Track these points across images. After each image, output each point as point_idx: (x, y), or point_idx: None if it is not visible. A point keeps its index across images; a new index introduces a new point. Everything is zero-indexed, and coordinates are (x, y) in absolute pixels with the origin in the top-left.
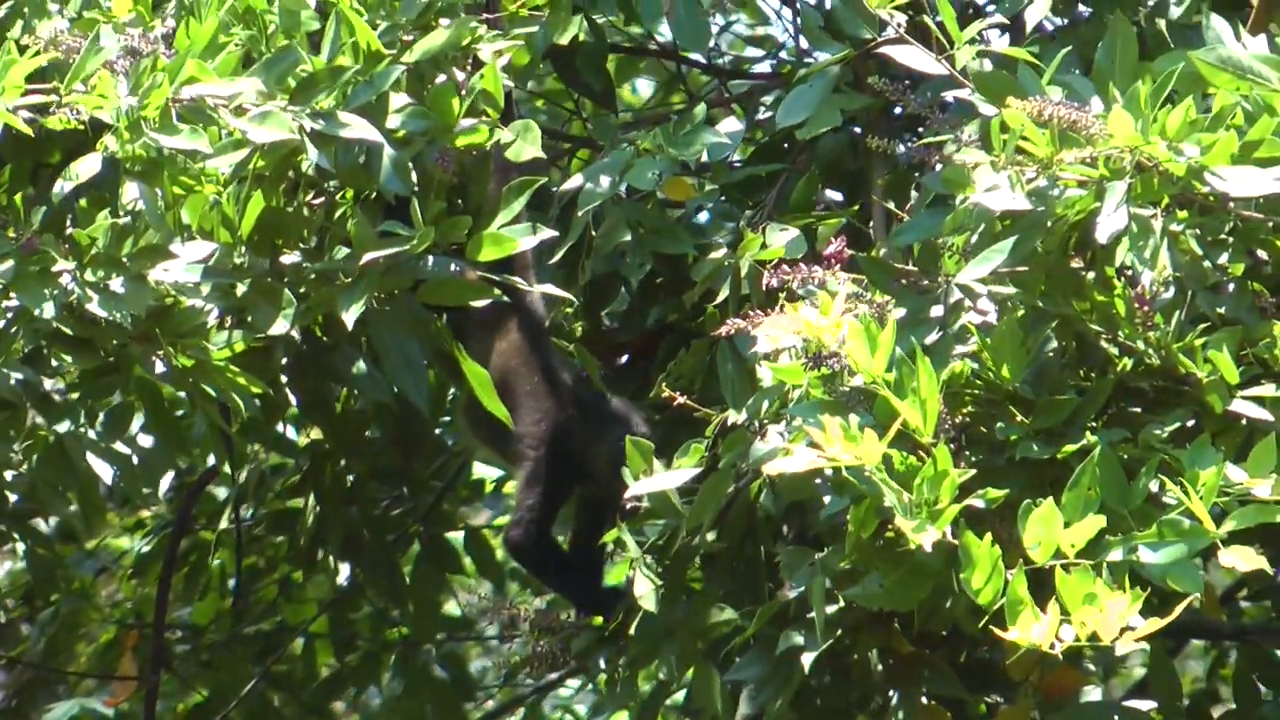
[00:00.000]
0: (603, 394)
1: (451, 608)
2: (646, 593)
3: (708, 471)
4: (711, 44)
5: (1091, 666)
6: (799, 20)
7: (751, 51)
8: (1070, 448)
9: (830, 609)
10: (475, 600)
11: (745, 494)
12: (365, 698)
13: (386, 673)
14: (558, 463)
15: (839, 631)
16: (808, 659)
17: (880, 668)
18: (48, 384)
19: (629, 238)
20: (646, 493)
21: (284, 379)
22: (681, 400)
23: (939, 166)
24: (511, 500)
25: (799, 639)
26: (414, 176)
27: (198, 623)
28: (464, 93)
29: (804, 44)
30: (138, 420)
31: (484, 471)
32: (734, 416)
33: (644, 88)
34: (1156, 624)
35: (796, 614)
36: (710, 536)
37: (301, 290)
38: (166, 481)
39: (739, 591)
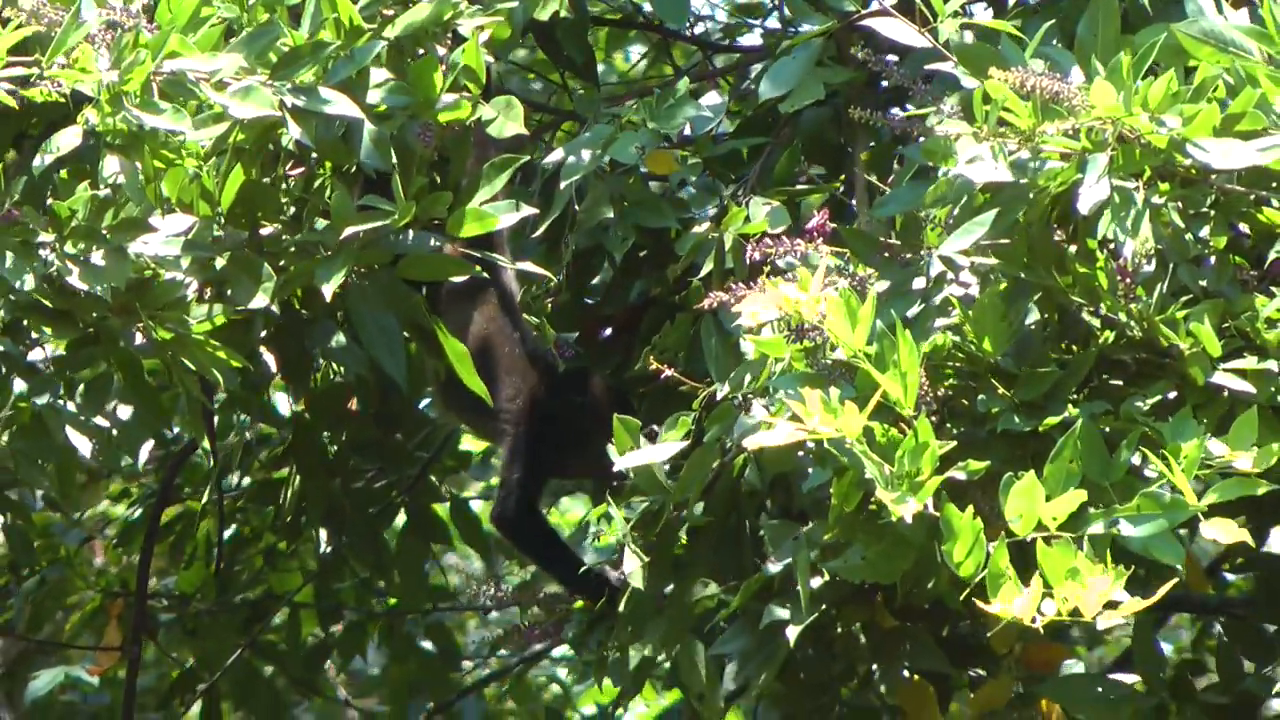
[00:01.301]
0: (580, 371)
1: (438, 578)
2: (634, 570)
3: (694, 446)
4: (702, 14)
5: (1076, 634)
6: None
7: (738, 22)
8: (1052, 420)
9: (814, 583)
10: (467, 571)
11: (730, 468)
12: (355, 666)
13: (371, 643)
14: (539, 437)
15: (823, 605)
16: (792, 632)
17: (864, 641)
18: (33, 355)
19: (612, 212)
20: (632, 467)
21: (263, 350)
22: (669, 373)
23: (921, 139)
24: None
25: (783, 613)
26: (394, 152)
27: (183, 591)
28: (445, 68)
29: (790, 16)
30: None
31: (470, 443)
32: (720, 390)
33: (638, 55)
34: (1139, 604)
35: (781, 588)
36: (697, 510)
37: (280, 263)
38: (146, 452)
39: (724, 566)
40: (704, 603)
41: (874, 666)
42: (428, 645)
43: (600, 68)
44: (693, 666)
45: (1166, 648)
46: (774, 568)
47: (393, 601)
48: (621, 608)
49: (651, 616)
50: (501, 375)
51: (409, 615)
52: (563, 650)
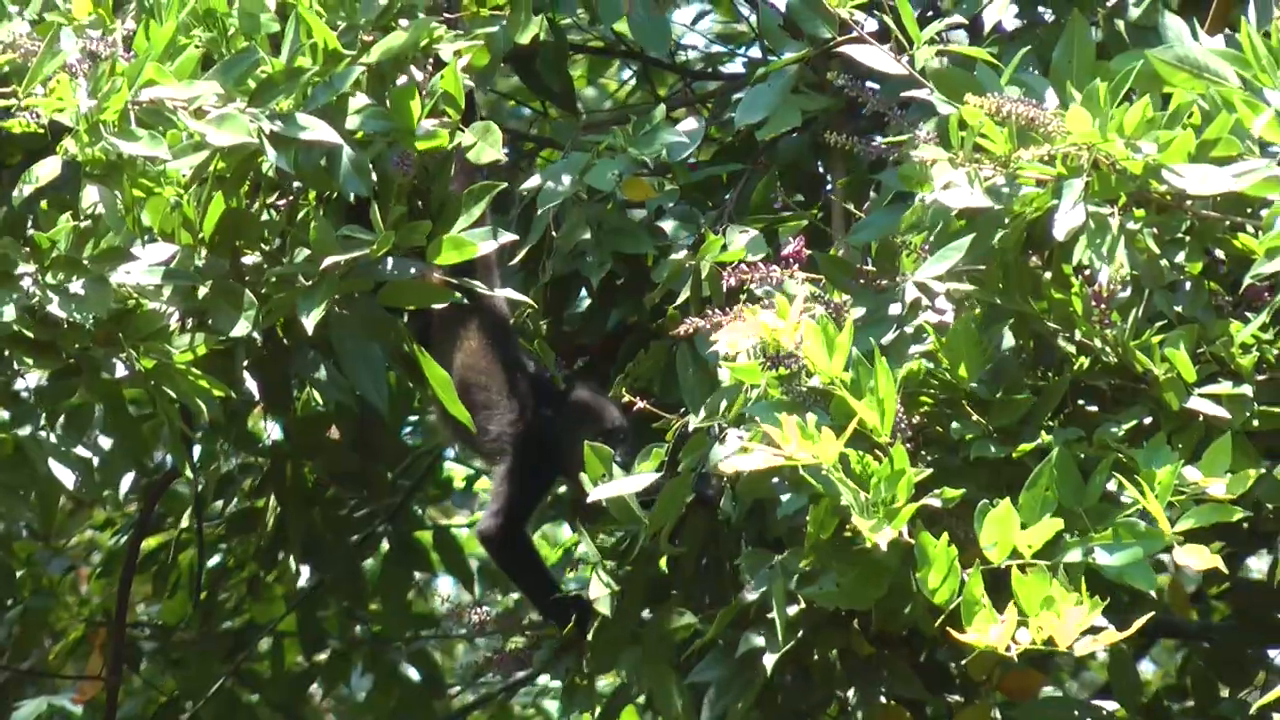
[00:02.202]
0: (574, 388)
1: (421, 605)
2: (601, 597)
3: (667, 476)
4: (681, 42)
5: (1060, 660)
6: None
7: (721, 49)
8: (1026, 447)
9: (790, 610)
10: (450, 598)
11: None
12: (341, 693)
13: (355, 671)
14: (532, 459)
15: (799, 633)
16: (769, 660)
17: (840, 669)
18: (17, 384)
19: (589, 236)
20: (606, 498)
21: (247, 378)
22: (640, 405)
23: (898, 165)
24: (486, 495)
25: (759, 641)
26: (374, 178)
27: (167, 621)
28: (425, 94)
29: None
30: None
31: (453, 471)
32: (693, 421)
33: (621, 81)
34: (1115, 635)
35: (757, 616)
36: (673, 540)
37: (262, 292)
38: (127, 482)
39: (702, 595)
40: (680, 633)
41: (851, 694)
42: (412, 673)
43: (590, 92)
44: (668, 695)
45: (1151, 670)
46: (750, 596)
47: (376, 629)
48: (590, 635)
49: (625, 645)
50: (495, 397)
51: (394, 644)
52: (547, 678)
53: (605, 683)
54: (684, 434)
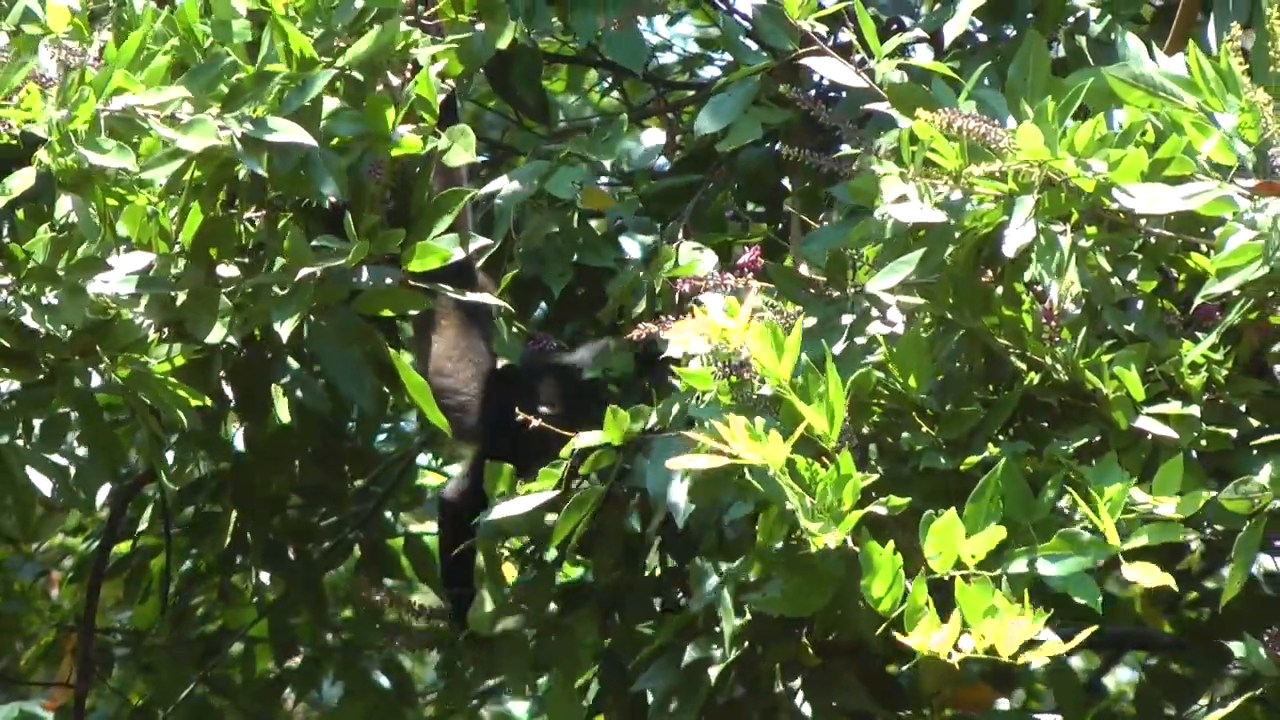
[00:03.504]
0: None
1: (392, 614)
2: (480, 615)
3: (564, 495)
4: (657, 48)
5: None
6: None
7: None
8: (974, 459)
9: (738, 621)
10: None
11: (618, 515)
12: (314, 699)
13: (326, 678)
14: (496, 421)
15: (746, 644)
16: (713, 672)
17: (786, 680)
18: None
19: (554, 231)
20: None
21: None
22: (536, 423)
23: (850, 179)
24: None
25: (706, 651)
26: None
27: (138, 626)
28: (400, 98)
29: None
30: (74, 430)
31: (426, 478)
32: (583, 439)
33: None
34: (1059, 645)
35: (705, 626)
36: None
37: (238, 302)
38: (104, 492)
39: (620, 605)
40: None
41: (798, 704)
42: (384, 680)
43: (573, 99)
44: (566, 700)
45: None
46: (696, 606)
47: (347, 637)
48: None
49: (509, 653)
50: (463, 371)
51: (365, 651)
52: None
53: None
54: (585, 450)
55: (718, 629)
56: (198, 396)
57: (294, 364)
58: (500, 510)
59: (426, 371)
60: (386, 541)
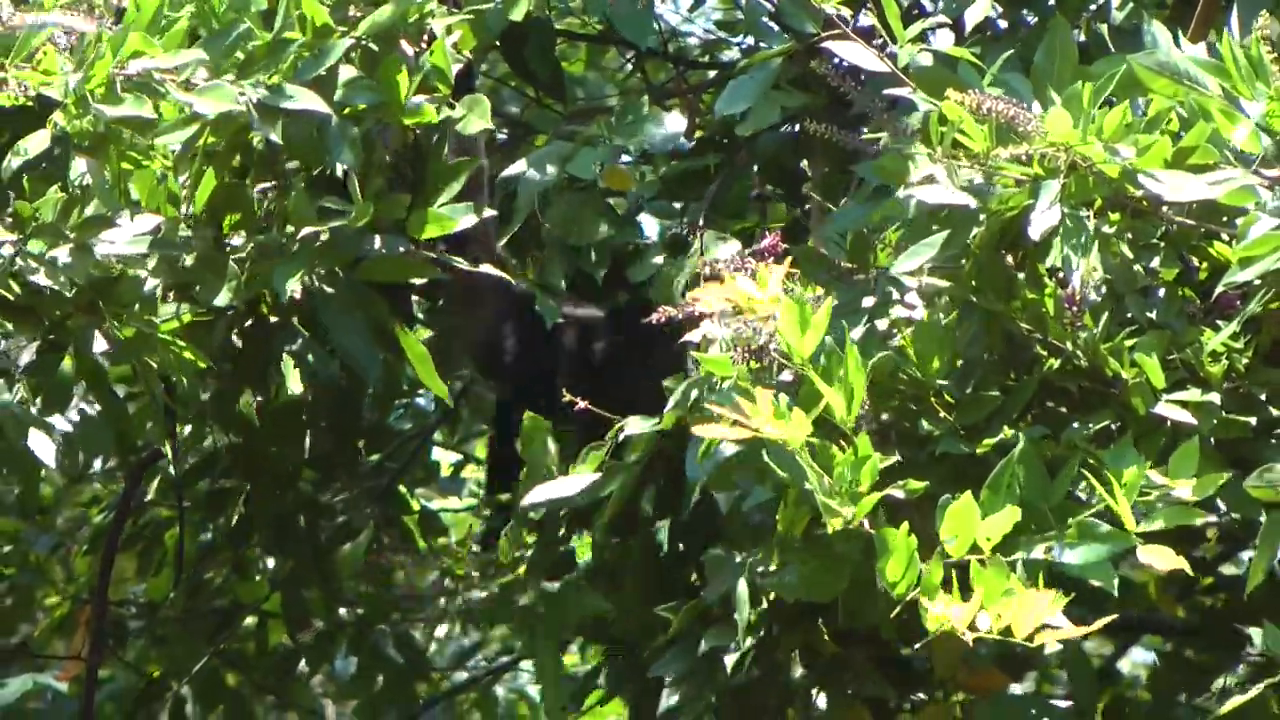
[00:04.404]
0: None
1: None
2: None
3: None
4: (677, 29)
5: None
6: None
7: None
8: (990, 442)
9: (752, 611)
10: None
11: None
12: (330, 673)
13: (339, 653)
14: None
15: (762, 632)
16: (729, 660)
17: (803, 667)
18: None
19: (582, 212)
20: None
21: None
22: (583, 405)
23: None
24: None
25: (722, 639)
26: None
27: (152, 599)
28: (415, 68)
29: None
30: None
31: (440, 454)
32: (631, 426)
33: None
34: (1075, 630)
35: (721, 613)
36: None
37: (246, 266)
38: (98, 461)
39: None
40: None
41: (814, 691)
42: (396, 655)
43: (593, 76)
44: (549, 673)
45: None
46: (712, 596)
47: (361, 612)
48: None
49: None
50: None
51: (377, 626)
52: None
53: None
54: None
55: (735, 616)
56: (202, 359)
57: (304, 332)
58: (544, 492)
59: (476, 342)
60: (401, 517)
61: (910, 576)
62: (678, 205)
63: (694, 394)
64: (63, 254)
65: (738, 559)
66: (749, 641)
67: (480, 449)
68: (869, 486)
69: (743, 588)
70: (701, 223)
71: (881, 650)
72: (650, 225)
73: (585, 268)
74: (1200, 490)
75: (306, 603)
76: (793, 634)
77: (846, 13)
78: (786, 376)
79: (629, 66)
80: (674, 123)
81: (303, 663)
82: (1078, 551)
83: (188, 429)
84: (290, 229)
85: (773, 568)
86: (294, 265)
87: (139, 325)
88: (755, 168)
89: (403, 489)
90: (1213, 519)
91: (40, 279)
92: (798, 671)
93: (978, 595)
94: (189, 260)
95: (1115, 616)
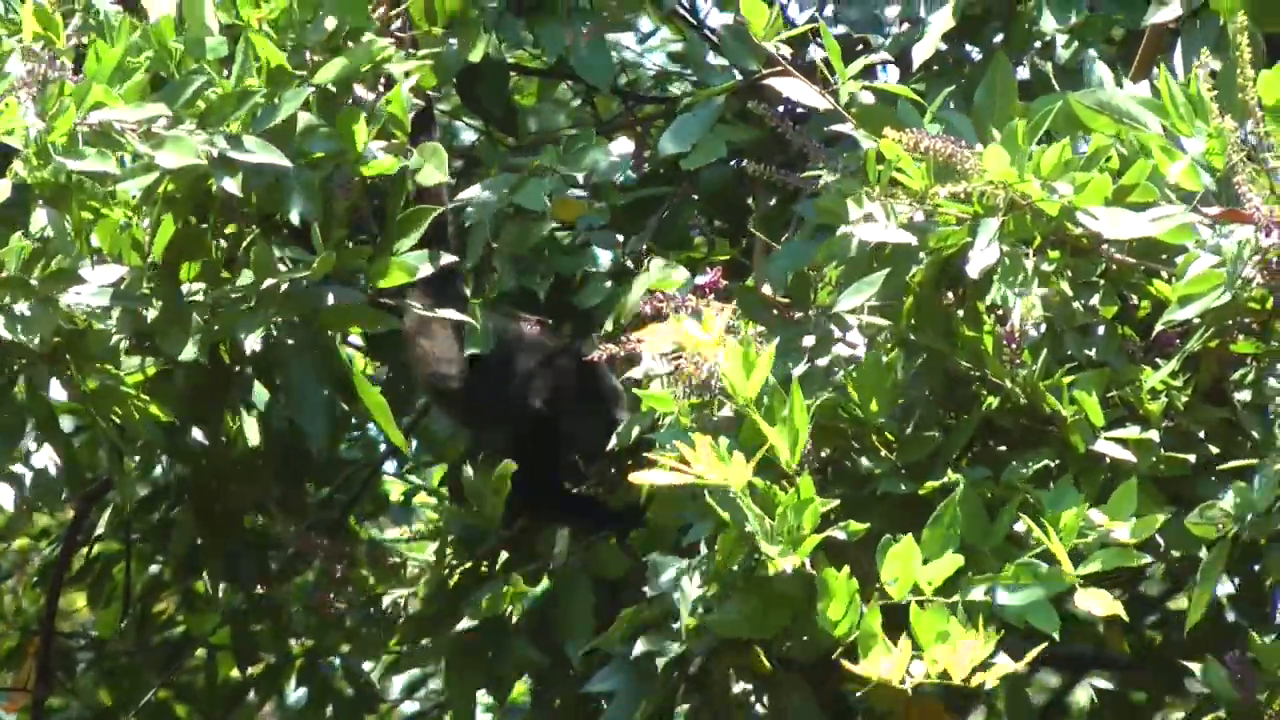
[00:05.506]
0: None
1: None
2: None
3: None
4: (629, 61)
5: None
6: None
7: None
8: (932, 484)
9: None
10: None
11: None
12: (278, 706)
13: (288, 685)
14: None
15: (698, 653)
16: (661, 662)
17: (739, 688)
18: None
19: (533, 239)
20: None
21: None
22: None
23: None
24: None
25: (658, 644)
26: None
27: (101, 633)
28: (373, 115)
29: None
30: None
31: (391, 484)
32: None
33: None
34: (1009, 667)
35: (661, 621)
36: None
37: (207, 318)
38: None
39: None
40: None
41: (758, 708)
42: (346, 686)
43: (547, 107)
44: (460, 690)
45: None
46: (652, 593)
47: (309, 643)
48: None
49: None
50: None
51: (327, 658)
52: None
53: None
54: None
55: (674, 625)
56: (165, 413)
57: (259, 385)
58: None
59: (426, 375)
60: (351, 549)
61: (850, 618)
62: (620, 237)
63: (636, 429)
64: (24, 307)
65: (680, 564)
66: (684, 648)
67: (437, 476)
68: (811, 529)
69: (685, 590)
70: (645, 250)
71: (821, 676)
72: (603, 253)
73: (530, 285)
74: (1139, 531)
75: (255, 636)
76: (730, 653)
77: (787, 51)
78: (728, 412)
79: (578, 101)
80: (620, 147)
81: (252, 694)
82: (1018, 594)
83: (135, 459)
84: (251, 279)
85: (709, 594)
86: (257, 319)
87: (102, 379)
88: (699, 200)
89: (353, 521)
90: (1148, 559)
91: (3, 331)
92: (737, 687)
93: (906, 643)
94: (152, 313)
95: (1050, 650)
